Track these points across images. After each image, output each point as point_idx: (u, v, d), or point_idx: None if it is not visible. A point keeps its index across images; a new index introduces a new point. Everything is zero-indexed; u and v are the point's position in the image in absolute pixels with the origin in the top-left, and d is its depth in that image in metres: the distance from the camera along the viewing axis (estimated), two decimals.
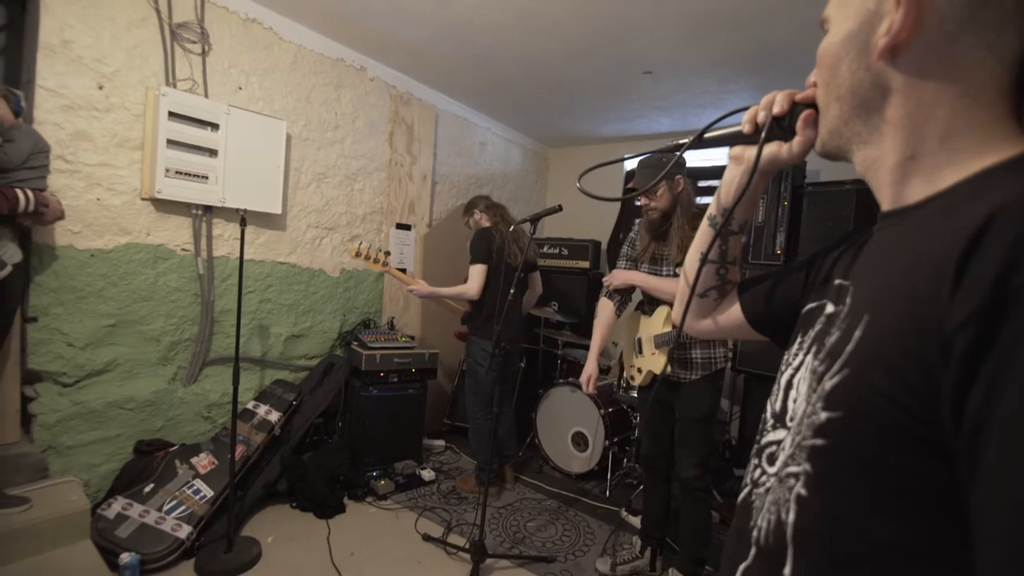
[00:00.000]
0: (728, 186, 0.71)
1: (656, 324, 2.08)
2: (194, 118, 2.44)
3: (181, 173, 2.40)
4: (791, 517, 0.46)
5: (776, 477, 0.50)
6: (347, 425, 3.04)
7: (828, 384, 0.44)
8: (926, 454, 0.36)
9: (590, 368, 2.23)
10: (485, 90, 3.77)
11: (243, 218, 2.17)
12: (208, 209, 2.57)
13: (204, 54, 2.54)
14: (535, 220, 2.33)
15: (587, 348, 3.83)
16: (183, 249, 2.51)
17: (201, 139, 2.47)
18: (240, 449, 2.42)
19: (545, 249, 4.43)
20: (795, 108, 0.60)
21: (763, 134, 0.62)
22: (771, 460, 0.52)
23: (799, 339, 0.55)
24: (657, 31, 2.62)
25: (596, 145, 5.03)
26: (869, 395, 0.40)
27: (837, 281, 0.53)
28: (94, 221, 2.22)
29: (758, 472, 0.54)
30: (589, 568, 2.33)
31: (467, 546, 2.28)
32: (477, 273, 2.76)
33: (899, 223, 0.47)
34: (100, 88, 2.21)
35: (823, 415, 0.44)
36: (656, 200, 1.99)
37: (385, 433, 3.03)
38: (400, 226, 3.66)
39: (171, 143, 2.36)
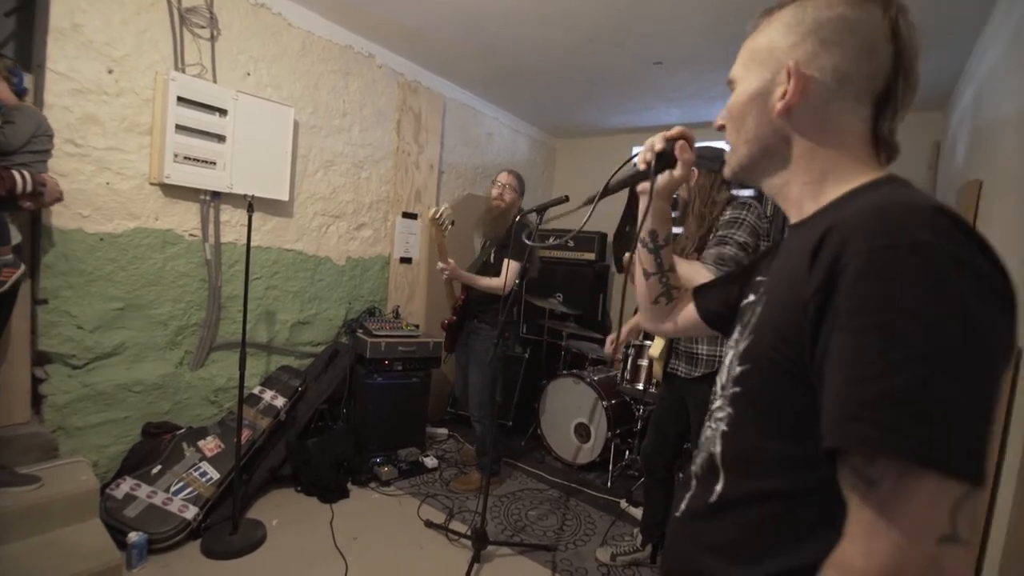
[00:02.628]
0: (644, 214, 0.88)
1: None
2: (203, 103, 2.44)
3: (189, 158, 2.41)
4: (719, 449, 0.63)
5: (714, 419, 0.66)
6: (351, 412, 3.06)
7: (741, 346, 0.62)
8: (804, 390, 0.51)
9: (619, 333, 2.26)
10: (493, 79, 3.75)
11: (251, 204, 2.18)
12: (216, 195, 2.58)
13: (213, 39, 2.53)
14: (541, 211, 2.32)
15: (591, 340, 3.85)
16: (191, 234, 2.52)
17: (209, 125, 2.48)
18: (246, 433, 2.44)
19: (550, 240, 4.41)
20: (670, 143, 0.82)
21: (653, 168, 0.81)
22: (716, 421, 0.66)
23: (738, 327, 0.70)
24: (671, 21, 2.59)
25: (604, 136, 4.99)
26: (766, 351, 0.56)
27: (759, 278, 0.71)
28: (103, 205, 2.23)
29: (708, 431, 0.68)
30: (589, 557, 2.35)
31: (469, 533, 2.30)
32: (516, 271, 2.54)
33: (797, 232, 0.64)
34: (110, 72, 2.21)
35: (738, 369, 0.61)
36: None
37: (389, 420, 3.05)
38: (406, 215, 3.65)
39: (179, 128, 2.37)
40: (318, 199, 3.09)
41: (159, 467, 2.22)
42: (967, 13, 2.22)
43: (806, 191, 0.64)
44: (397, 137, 3.55)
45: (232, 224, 2.68)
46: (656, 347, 2.05)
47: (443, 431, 3.66)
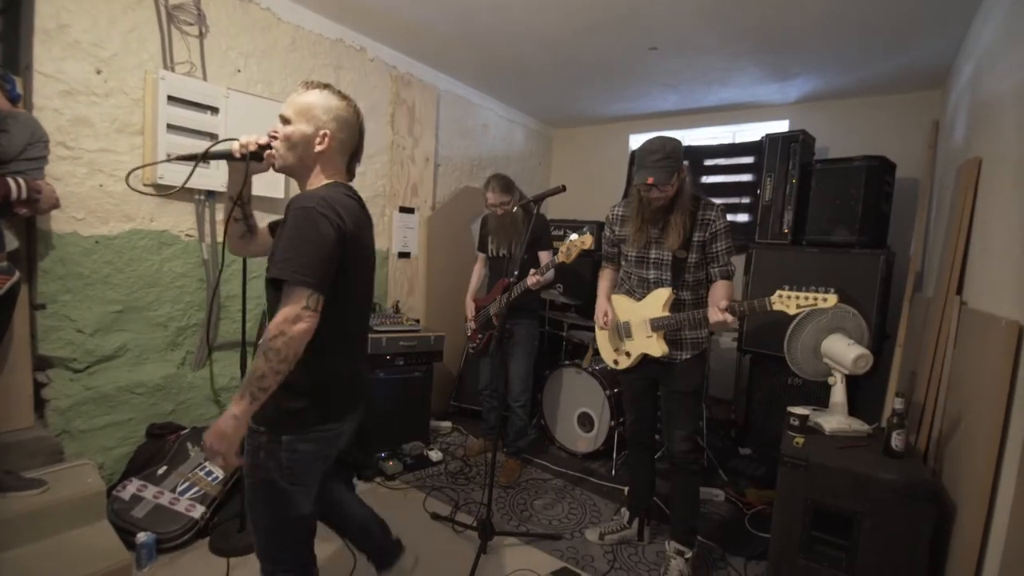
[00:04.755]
0: (234, 183, 1.37)
1: (652, 308, 2.08)
2: (193, 102, 2.42)
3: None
4: (266, 309, 1.69)
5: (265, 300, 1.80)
6: None
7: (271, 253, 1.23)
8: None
9: (603, 304, 2.25)
10: (487, 69, 3.72)
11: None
12: (211, 194, 2.56)
13: (202, 36, 2.51)
14: (538, 201, 2.31)
15: (592, 329, 3.85)
16: (187, 235, 2.51)
17: (201, 123, 2.45)
18: None
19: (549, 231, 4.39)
20: (263, 148, 1.31)
21: (248, 157, 1.31)
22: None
23: None
24: (665, 5, 2.56)
25: (601, 125, 4.96)
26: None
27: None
28: (97, 207, 2.22)
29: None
30: (594, 545, 2.37)
31: (475, 524, 2.32)
32: (549, 257, 2.81)
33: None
34: (98, 73, 2.19)
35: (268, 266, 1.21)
36: (667, 190, 1.95)
37: (393, 415, 3.06)
38: (403, 209, 3.64)
39: (171, 128, 2.34)
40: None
41: (165, 467, 2.23)
42: None
43: (309, 186, 1.33)
44: (391, 131, 3.52)
45: None
46: (655, 344, 2.07)
47: (447, 424, 3.67)
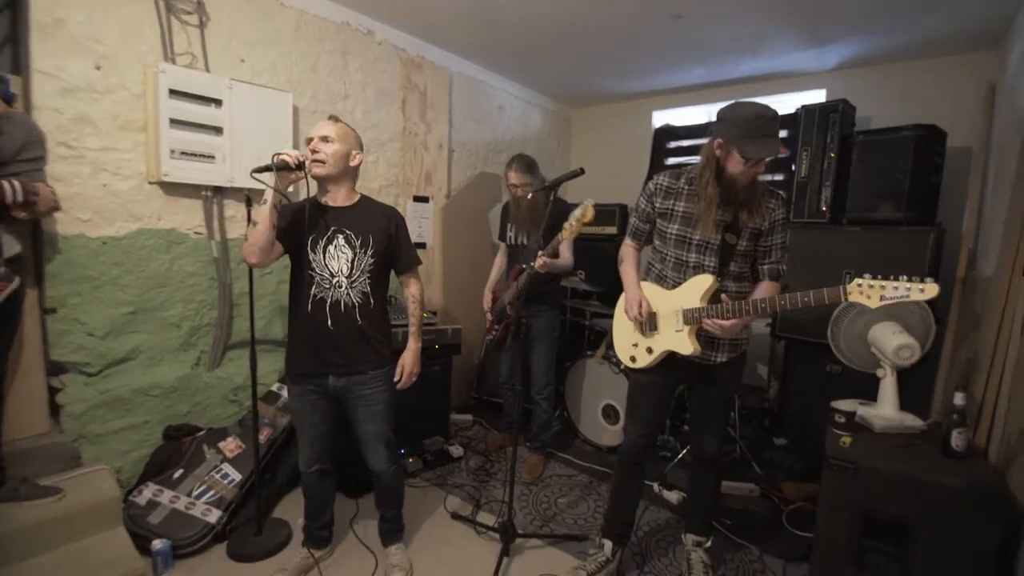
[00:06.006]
0: (277, 193, 1.66)
1: (687, 297, 1.80)
2: (196, 95, 2.33)
3: (187, 153, 2.32)
4: (369, 291, 1.84)
5: (346, 288, 1.79)
6: None
7: (370, 250, 1.82)
8: (390, 260, 1.94)
9: (636, 293, 1.93)
10: (500, 48, 3.54)
11: (248, 198, 2.09)
12: (218, 190, 2.49)
13: (202, 26, 2.42)
14: (555, 185, 2.17)
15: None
16: (196, 232, 2.45)
17: (205, 116, 2.37)
18: (266, 432, 2.41)
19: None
20: (302, 162, 1.67)
21: (304, 166, 1.68)
22: (339, 285, 1.78)
23: (319, 247, 1.77)
24: None
25: (622, 102, 4.74)
26: (380, 248, 1.84)
27: (334, 228, 1.79)
28: (103, 208, 2.17)
29: (338, 290, 1.79)
30: None
31: (496, 525, 2.23)
32: (570, 247, 2.66)
33: (349, 208, 1.84)
34: (97, 68, 2.12)
35: (371, 260, 1.82)
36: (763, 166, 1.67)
37: (412, 411, 2.98)
38: (417, 198, 3.53)
39: (174, 122, 2.27)
40: None
41: (181, 471, 2.20)
42: None
43: (346, 194, 1.84)
44: (403, 117, 3.40)
45: (238, 219, 2.60)
46: (683, 341, 1.82)
47: (467, 417, 3.60)
